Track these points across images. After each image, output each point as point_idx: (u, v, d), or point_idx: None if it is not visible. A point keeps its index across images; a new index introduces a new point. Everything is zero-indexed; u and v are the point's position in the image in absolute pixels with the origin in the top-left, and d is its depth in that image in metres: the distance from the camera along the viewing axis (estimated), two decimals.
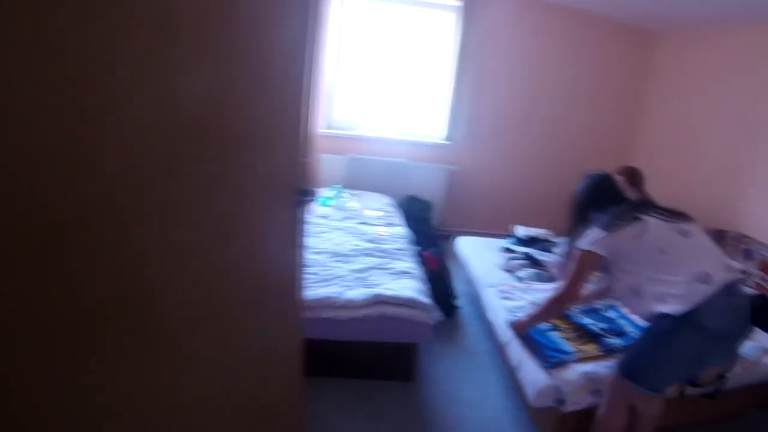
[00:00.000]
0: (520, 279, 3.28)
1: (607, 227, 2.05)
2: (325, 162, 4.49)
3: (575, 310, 2.78)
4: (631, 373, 1.98)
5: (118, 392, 0.90)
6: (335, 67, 4.44)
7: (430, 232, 4.41)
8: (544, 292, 3.05)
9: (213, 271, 1.15)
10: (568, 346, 2.51)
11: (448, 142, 4.66)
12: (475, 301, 3.60)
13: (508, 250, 3.62)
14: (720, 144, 4.19)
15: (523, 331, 2.55)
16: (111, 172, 0.81)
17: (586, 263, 2.11)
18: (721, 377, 2.12)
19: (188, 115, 0.97)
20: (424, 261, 3.44)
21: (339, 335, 2.50)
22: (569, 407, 2.27)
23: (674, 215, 2.08)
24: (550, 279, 3.34)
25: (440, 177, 4.70)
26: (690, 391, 2.20)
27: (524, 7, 4.55)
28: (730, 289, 1.86)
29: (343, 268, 2.84)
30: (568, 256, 2.29)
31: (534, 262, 3.47)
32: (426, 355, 2.97)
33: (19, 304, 0.70)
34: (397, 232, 3.57)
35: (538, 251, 3.65)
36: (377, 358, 2.66)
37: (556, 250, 3.75)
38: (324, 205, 3.91)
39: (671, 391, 2.13)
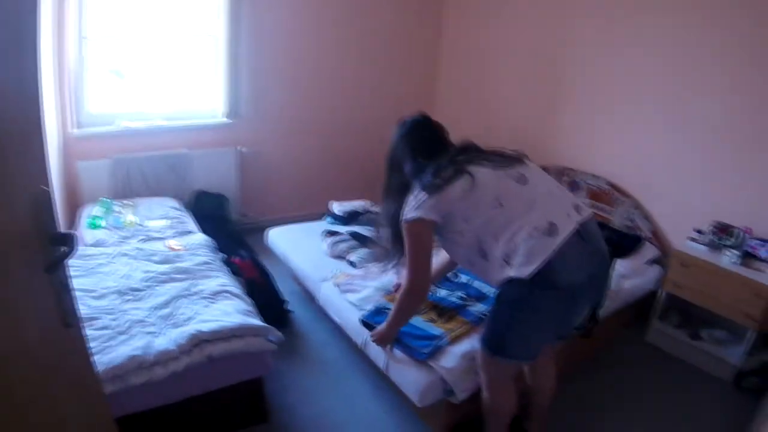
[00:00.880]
0: (353, 264, 3.11)
1: (430, 188, 1.85)
2: (84, 171, 3.76)
3: None
4: (497, 349, 1.90)
5: None
6: (79, 46, 3.65)
7: (232, 231, 4.07)
8: (386, 273, 2.93)
9: None
10: (436, 329, 2.40)
11: (230, 120, 4.30)
12: (308, 299, 3.42)
13: (330, 233, 3.40)
14: (525, 80, 4.46)
15: (388, 342, 2.30)
16: None
17: (421, 235, 1.89)
18: (593, 318, 2.13)
19: None
20: (236, 270, 3.11)
21: (163, 399, 2.09)
22: (461, 396, 2.18)
23: (506, 160, 1.94)
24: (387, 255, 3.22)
25: (229, 163, 4.34)
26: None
27: None
28: (582, 234, 1.80)
29: (140, 309, 2.36)
30: (391, 234, 2.05)
31: (363, 241, 3.33)
32: (273, 383, 2.69)
33: None
34: (194, 242, 3.16)
35: (364, 227, 3.52)
36: (219, 409, 2.32)
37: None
38: (93, 227, 3.27)
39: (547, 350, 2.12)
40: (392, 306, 2.23)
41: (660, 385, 3.09)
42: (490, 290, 2.76)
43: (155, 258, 2.89)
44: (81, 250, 2.90)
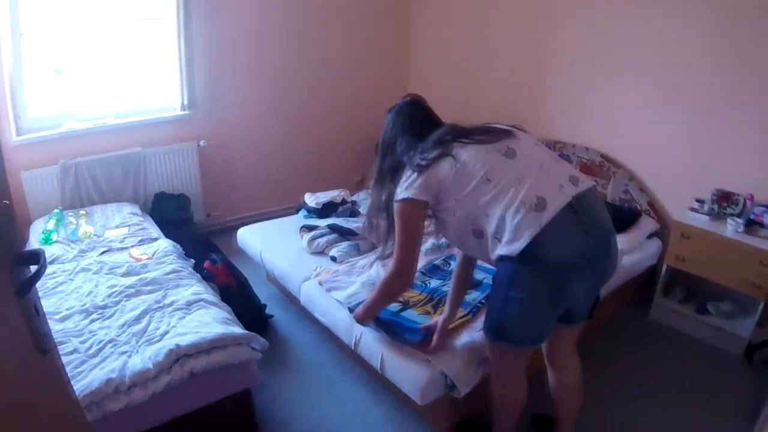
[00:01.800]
0: (335, 259, 3.14)
1: (419, 167, 1.94)
2: (29, 182, 3.68)
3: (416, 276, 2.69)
4: (501, 334, 1.95)
5: None
6: (15, 43, 3.53)
7: (198, 234, 4.08)
8: (371, 265, 3.00)
9: None
10: (431, 321, 2.43)
11: (187, 112, 4.27)
12: (288, 301, 3.46)
13: (307, 228, 3.42)
14: (508, 54, 4.52)
15: (368, 320, 2.39)
16: None
17: (411, 216, 1.98)
18: (591, 308, 2.17)
19: None
20: (209, 276, 3.12)
21: (145, 423, 2.08)
22: (463, 391, 2.22)
23: (493, 135, 2.00)
24: (371, 247, 3.27)
25: (189, 159, 4.32)
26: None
27: None
28: (575, 207, 1.84)
29: (109, 328, 2.35)
30: (377, 214, 2.14)
31: (343, 234, 3.35)
32: (262, 395, 2.70)
33: None
34: (159, 249, 3.16)
35: (343, 219, 3.55)
36: (206, 429, 2.31)
37: (365, 209, 3.67)
38: (47, 243, 3.23)
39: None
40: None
41: (668, 363, 3.18)
42: (483, 275, 2.82)
43: (119, 271, 2.88)
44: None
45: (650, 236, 3.67)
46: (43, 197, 3.74)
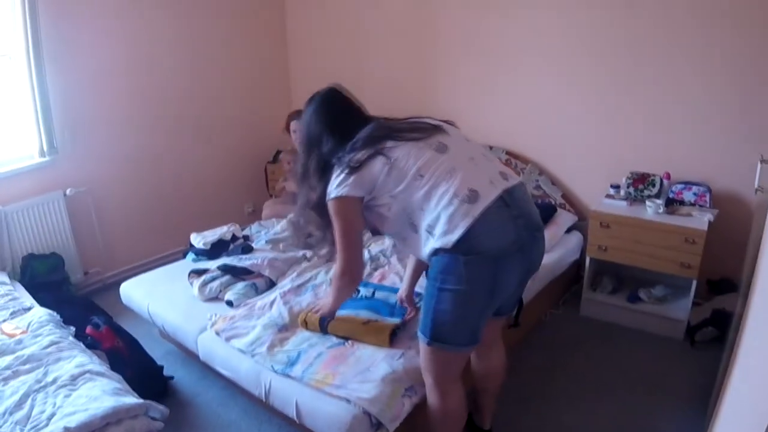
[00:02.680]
0: (231, 303, 3.27)
1: (349, 168, 2.18)
2: None
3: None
4: (433, 334, 2.18)
5: None
6: None
7: (76, 297, 4.12)
8: (272, 304, 3.15)
9: None
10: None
11: (47, 159, 4.28)
12: (188, 357, 3.54)
13: (196, 272, 3.53)
14: (393, 51, 4.82)
15: (328, 315, 2.77)
16: None
17: (348, 213, 2.24)
18: (518, 301, 2.47)
19: None
20: (93, 342, 3.16)
21: None
22: (392, 427, 2.39)
23: (425, 130, 2.27)
24: (269, 284, 3.44)
25: (56, 212, 4.34)
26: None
27: None
28: (506, 200, 2.11)
29: None
30: (304, 213, 2.42)
31: (237, 274, 3.49)
32: None
33: None
34: (33, 320, 3.16)
35: (236, 257, 3.68)
36: None
37: (259, 243, 3.84)
38: None
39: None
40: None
41: (607, 358, 3.47)
42: (386, 293, 3.11)
43: None
44: None
45: (569, 230, 3.98)
46: None
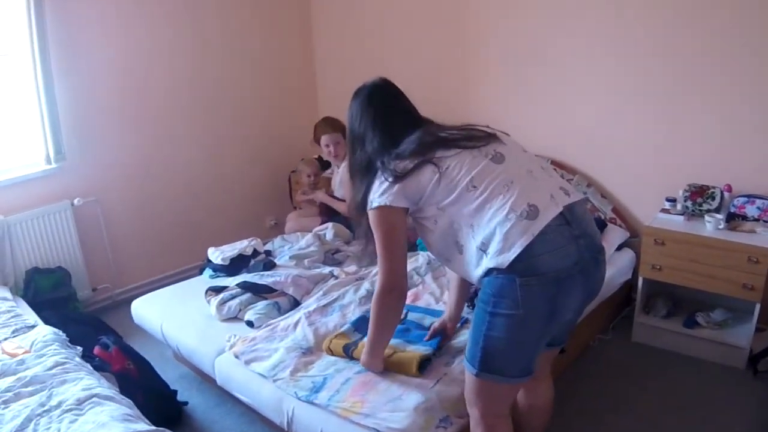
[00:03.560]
0: (252, 324, 3.25)
1: (395, 176, 2.15)
2: None
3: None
4: (487, 365, 2.11)
5: None
6: None
7: (84, 315, 4.12)
8: (296, 325, 3.14)
9: None
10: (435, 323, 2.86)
11: (54, 166, 4.31)
12: (204, 381, 3.53)
13: (213, 290, 3.52)
14: (426, 53, 4.81)
15: (378, 362, 2.65)
16: None
17: (390, 222, 2.20)
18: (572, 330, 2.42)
19: None
20: (101, 364, 3.16)
21: None
22: None
23: (479, 138, 2.23)
24: (293, 303, 3.42)
25: (63, 223, 4.36)
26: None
27: None
28: (567, 217, 2.06)
29: None
30: (359, 213, 2.33)
31: (258, 291, 3.47)
32: None
33: None
34: (37, 339, 3.17)
35: (257, 274, 3.66)
36: None
37: (282, 259, 3.84)
38: None
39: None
40: None
41: (661, 388, 3.39)
42: (432, 319, 3.03)
43: None
44: None
45: (620, 247, 3.92)
46: None
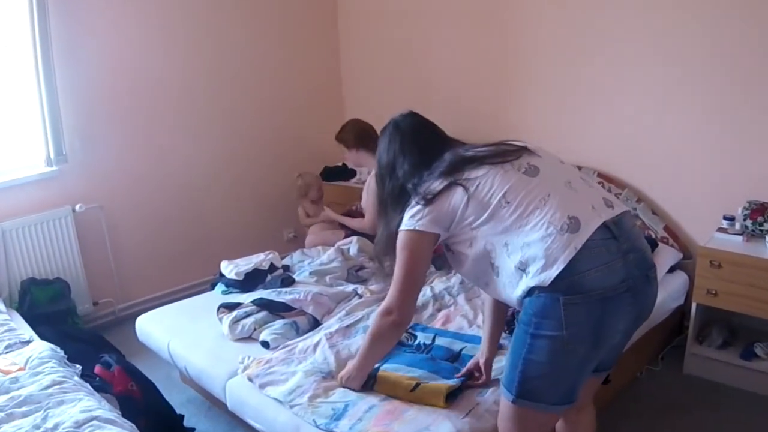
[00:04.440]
0: (267, 345, 3.23)
1: (425, 200, 2.17)
2: None
3: None
4: (527, 392, 2.08)
5: None
6: None
7: (84, 331, 4.12)
8: (315, 347, 3.11)
9: None
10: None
11: (55, 168, 4.34)
12: (213, 405, 3.53)
13: (226, 307, 3.50)
14: (466, 59, 4.82)
15: (358, 384, 2.70)
16: None
17: (416, 249, 2.22)
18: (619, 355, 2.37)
19: None
20: (102, 385, 3.15)
21: None
22: None
23: (510, 152, 2.22)
24: (313, 323, 3.40)
25: (63, 230, 4.39)
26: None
27: None
28: (612, 230, 2.03)
29: None
30: (387, 252, 2.36)
31: (275, 310, 3.45)
32: None
33: None
34: (32, 356, 3.17)
35: (274, 290, 3.64)
36: None
37: (302, 275, 3.84)
38: None
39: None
40: None
41: (715, 427, 3.33)
42: (462, 344, 3.01)
43: None
44: None
45: (672, 269, 3.87)
46: None
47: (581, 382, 2.13)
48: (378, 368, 2.79)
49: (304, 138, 5.60)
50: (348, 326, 3.28)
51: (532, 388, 2.06)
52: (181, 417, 3.38)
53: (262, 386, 2.87)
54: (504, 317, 2.70)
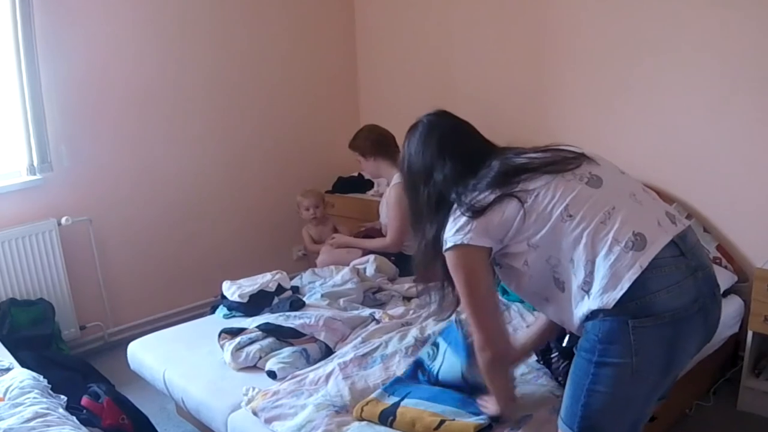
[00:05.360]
0: (274, 374, 3.19)
1: (472, 212, 2.12)
2: None
3: None
4: (589, 426, 2.06)
5: None
6: None
7: (69, 358, 4.10)
8: (328, 377, 3.06)
9: None
10: None
11: (39, 177, 4.35)
12: None
13: (228, 333, 3.48)
14: (489, 54, 4.84)
15: (511, 408, 2.55)
16: None
17: (471, 266, 2.17)
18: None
19: None
20: (90, 418, 3.15)
21: None
22: None
23: (569, 160, 2.19)
24: (325, 351, 3.36)
25: (47, 246, 4.39)
26: None
27: None
28: (680, 247, 2.01)
29: None
30: (427, 266, 2.32)
31: (282, 336, 3.42)
32: None
33: None
34: (12, 385, 3.16)
35: (281, 314, 3.60)
36: None
37: (313, 297, 3.83)
38: None
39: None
40: None
41: None
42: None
43: None
44: None
45: (726, 293, 3.80)
46: None
47: (647, 415, 2.14)
48: (398, 404, 2.74)
49: (316, 145, 5.61)
50: (364, 355, 3.23)
51: (596, 423, 2.05)
52: None
53: (268, 421, 2.82)
54: (555, 333, 2.65)
